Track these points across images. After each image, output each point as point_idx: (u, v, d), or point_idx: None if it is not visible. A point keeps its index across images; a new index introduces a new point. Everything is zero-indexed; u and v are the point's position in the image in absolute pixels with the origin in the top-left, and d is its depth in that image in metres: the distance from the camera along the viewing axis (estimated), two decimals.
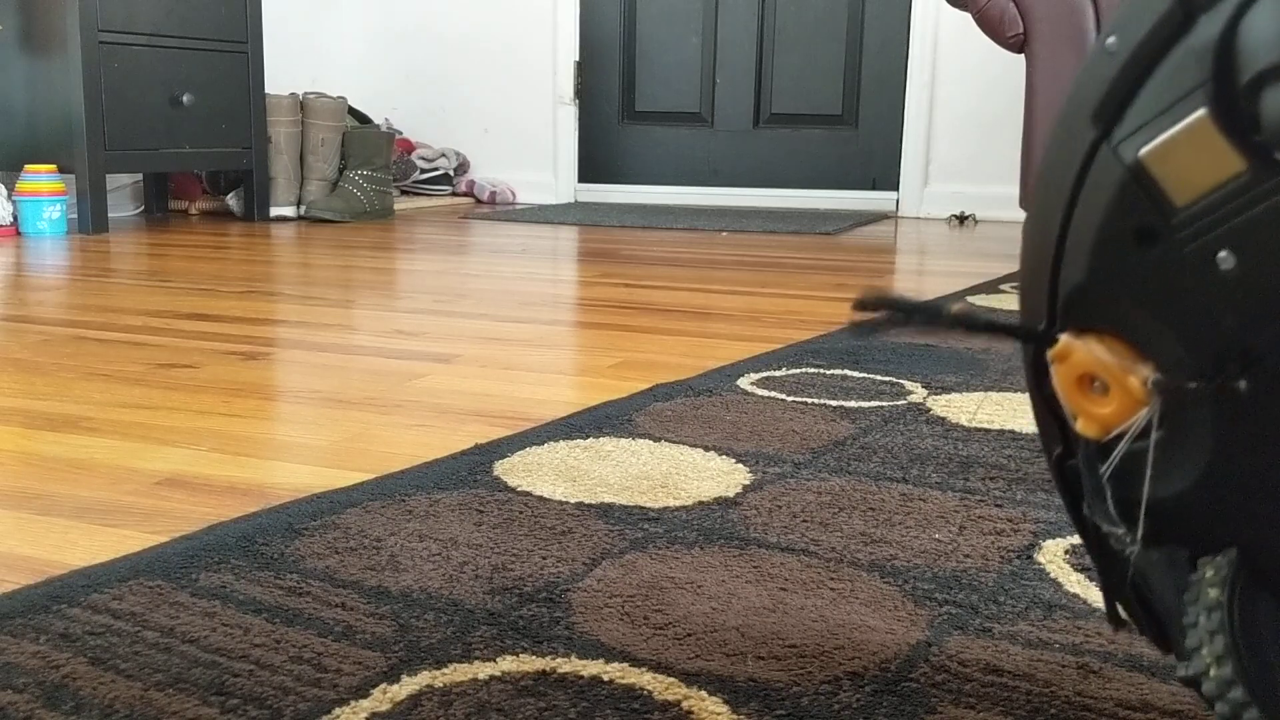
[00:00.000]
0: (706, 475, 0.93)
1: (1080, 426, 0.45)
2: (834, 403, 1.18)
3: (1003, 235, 3.17)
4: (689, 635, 0.64)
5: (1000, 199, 3.62)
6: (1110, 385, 0.43)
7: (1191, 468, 0.42)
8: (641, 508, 0.85)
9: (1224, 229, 0.39)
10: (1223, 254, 0.39)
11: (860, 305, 0.46)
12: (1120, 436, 0.44)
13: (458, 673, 0.59)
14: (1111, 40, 0.42)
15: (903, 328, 0.46)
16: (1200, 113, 0.39)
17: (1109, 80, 0.42)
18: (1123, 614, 0.49)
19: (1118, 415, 0.43)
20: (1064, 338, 0.45)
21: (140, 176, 3.44)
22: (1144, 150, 0.41)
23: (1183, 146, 0.39)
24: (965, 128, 3.67)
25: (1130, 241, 0.41)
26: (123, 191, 3.47)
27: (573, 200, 4.15)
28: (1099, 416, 0.44)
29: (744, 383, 1.26)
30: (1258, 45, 0.37)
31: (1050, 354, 0.45)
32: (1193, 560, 0.43)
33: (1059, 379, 0.45)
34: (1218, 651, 0.41)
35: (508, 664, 0.60)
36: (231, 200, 3.40)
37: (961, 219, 3.56)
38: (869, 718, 0.55)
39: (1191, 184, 0.39)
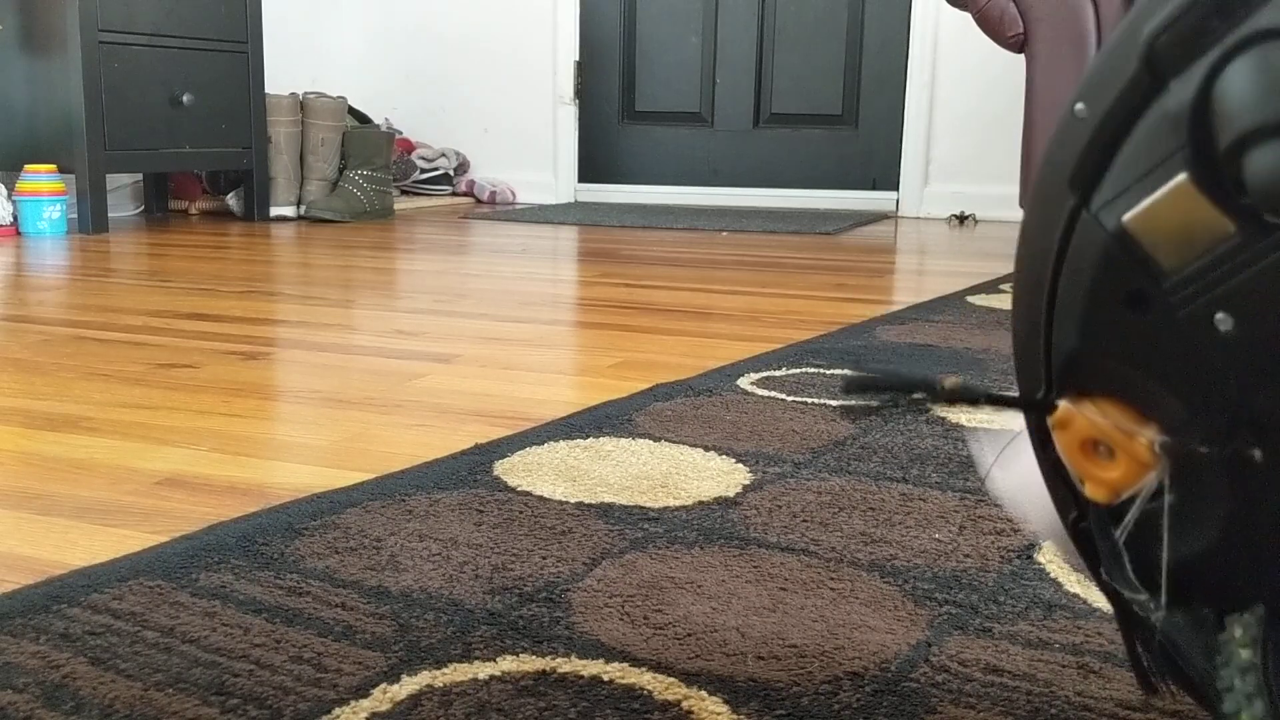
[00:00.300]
0: (706, 475, 0.93)
1: (1089, 491, 0.44)
2: (834, 403, 1.18)
3: (1003, 235, 3.17)
4: (689, 635, 0.64)
5: (1000, 199, 3.62)
6: (1115, 449, 0.43)
7: (1210, 527, 0.41)
8: (641, 507, 0.85)
9: (1219, 291, 0.38)
10: (1220, 316, 0.38)
11: (849, 388, 0.45)
12: (1131, 499, 0.43)
13: (458, 673, 0.59)
14: (1080, 106, 0.41)
15: (897, 408, 0.45)
16: (1181, 177, 0.38)
17: (1081, 147, 0.41)
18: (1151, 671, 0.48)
19: (1126, 479, 0.43)
20: (1063, 404, 0.44)
21: (140, 176, 3.44)
22: (1127, 216, 0.40)
23: (1167, 211, 0.39)
24: (965, 128, 3.67)
25: (1122, 307, 0.41)
26: (123, 191, 3.47)
27: (573, 200, 4.15)
28: (1107, 480, 0.43)
29: (744, 383, 1.26)
30: (1236, 108, 0.36)
31: (1051, 421, 0.45)
32: (1219, 618, 0.42)
33: (1062, 445, 0.45)
34: (1257, 715, 0.40)
35: (508, 664, 0.60)
36: (231, 200, 3.40)
37: (961, 219, 3.56)
38: (869, 718, 0.55)
39: (1180, 248, 0.39)
